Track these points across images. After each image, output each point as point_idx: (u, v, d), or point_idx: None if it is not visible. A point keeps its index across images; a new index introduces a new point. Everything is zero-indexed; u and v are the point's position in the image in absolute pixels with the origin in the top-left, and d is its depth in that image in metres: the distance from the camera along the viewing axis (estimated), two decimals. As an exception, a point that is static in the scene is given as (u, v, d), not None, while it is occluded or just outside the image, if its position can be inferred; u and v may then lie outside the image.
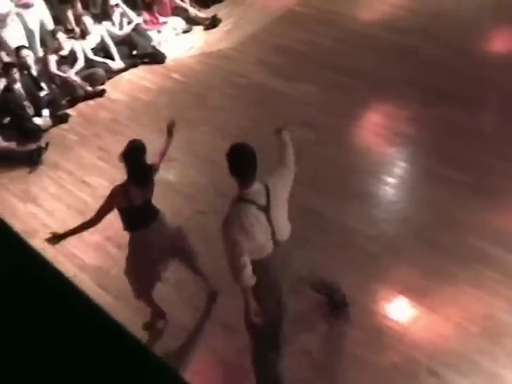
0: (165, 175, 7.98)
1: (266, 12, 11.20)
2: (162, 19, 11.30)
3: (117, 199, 5.39)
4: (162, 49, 10.85)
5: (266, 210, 4.62)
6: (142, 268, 5.65)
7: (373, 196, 6.99)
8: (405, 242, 6.33)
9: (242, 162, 4.60)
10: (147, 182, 5.47)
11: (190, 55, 10.70)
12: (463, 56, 8.49)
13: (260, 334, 4.96)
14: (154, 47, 10.78)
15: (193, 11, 11.60)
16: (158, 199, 7.60)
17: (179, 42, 11.16)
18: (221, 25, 11.34)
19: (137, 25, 10.80)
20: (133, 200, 5.36)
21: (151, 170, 5.52)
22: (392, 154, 7.45)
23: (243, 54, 10.28)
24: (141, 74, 10.47)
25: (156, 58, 10.64)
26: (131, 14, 10.90)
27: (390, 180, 7.15)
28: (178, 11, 11.54)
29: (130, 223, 5.50)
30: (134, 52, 10.76)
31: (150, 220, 5.53)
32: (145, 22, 11.14)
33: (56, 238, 5.40)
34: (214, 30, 11.27)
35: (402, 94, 8.17)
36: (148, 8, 11.25)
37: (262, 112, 8.65)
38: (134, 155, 5.36)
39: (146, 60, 10.70)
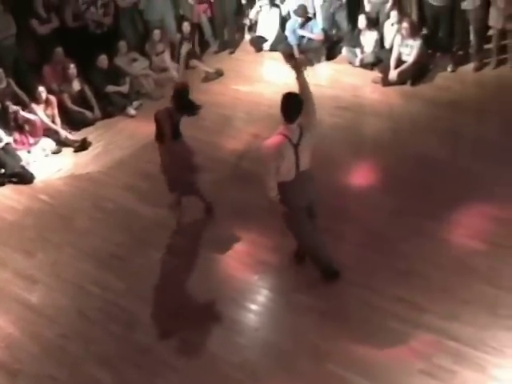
0: (27, 297, 7.83)
1: (135, 138, 11.41)
2: (32, 140, 11.30)
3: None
4: (31, 169, 10.82)
5: (296, 146, 6.40)
6: (166, 168, 8.33)
7: (236, 323, 7.11)
8: (266, 369, 6.43)
9: (288, 104, 6.25)
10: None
11: (59, 177, 10.69)
12: (323, 187, 8.65)
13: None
14: (22, 167, 10.72)
15: (63, 133, 11.66)
16: (19, 322, 7.45)
17: (48, 163, 11.17)
18: (90, 148, 11.43)
19: (6, 144, 10.74)
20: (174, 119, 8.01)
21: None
22: (255, 281, 7.64)
23: (111, 177, 10.38)
24: (7, 194, 10.34)
25: (24, 178, 10.57)
26: (1, 133, 10.84)
27: (253, 307, 7.31)
28: (49, 132, 11.57)
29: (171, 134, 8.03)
30: (2, 171, 10.63)
31: (177, 136, 8.16)
32: (15, 141, 11.10)
33: None
34: (83, 153, 11.32)
35: (265, 223, 8.40)
36: (19, 128, 11.24)
37: (128, 237, 8.72)
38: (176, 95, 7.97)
39: (13, 180, 10.60)
